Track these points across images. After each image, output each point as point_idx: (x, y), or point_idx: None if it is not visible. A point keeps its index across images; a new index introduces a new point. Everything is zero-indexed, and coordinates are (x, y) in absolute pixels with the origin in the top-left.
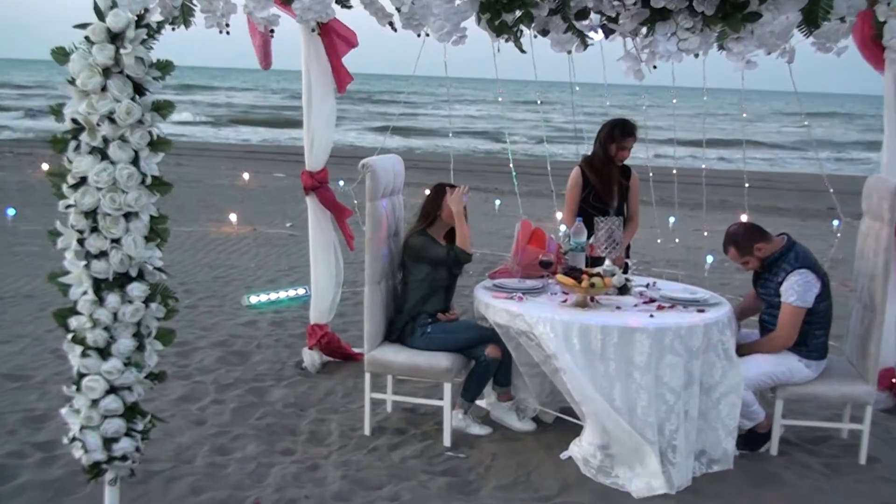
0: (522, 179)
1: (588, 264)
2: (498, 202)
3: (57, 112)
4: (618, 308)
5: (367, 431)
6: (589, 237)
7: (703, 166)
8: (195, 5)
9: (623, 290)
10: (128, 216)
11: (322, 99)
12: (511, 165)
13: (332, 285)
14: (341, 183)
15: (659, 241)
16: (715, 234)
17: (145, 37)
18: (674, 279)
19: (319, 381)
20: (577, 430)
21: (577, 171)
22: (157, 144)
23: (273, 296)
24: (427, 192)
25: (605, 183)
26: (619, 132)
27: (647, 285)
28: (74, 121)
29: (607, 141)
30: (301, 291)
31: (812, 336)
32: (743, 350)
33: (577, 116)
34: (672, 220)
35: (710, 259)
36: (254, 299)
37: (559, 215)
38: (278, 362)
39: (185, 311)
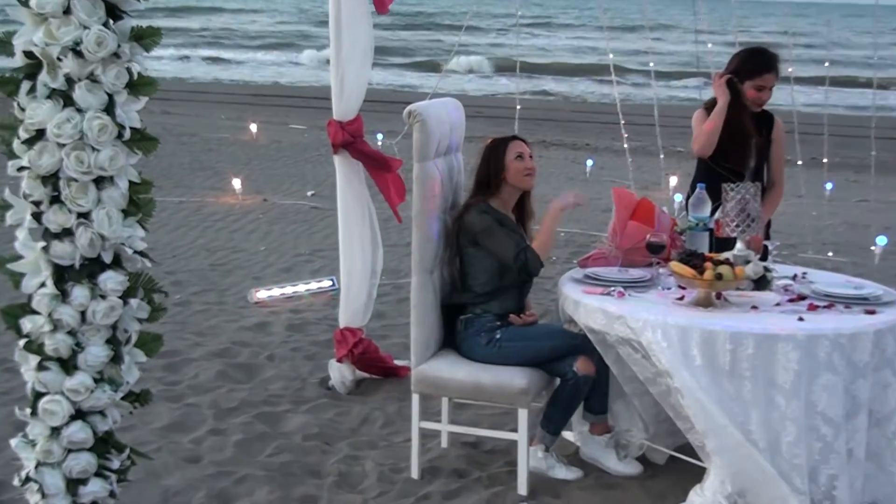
0: (619, 132)
1: (713, 248)
2: (590, 163)
3: (5, 44)
4: (754, 308)
5: (414, 474)
6: (715, 210)
7: (873, 113)
8: None
9: (761, 283)
10: (99, 182)
11: (355, 24)
12: (619, 111)
13: (368, 275)
14: (380, 137)
15: (814, 213)
16: (889, 205)
17: None
18: (832, 268)
19: (352, 404)
20: (697, 475)
21: (701, 112)
22: (138, 86)
23: (290, 290)
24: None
25: (735, 136)
26: (754, 65)
27: (795, 277)
28: (28, 54)
29: (739, 78)
30: (327, 284)
31: None
32: None
33: (700, 45)
34: (829, 186)
35: (882, 241)
36: (264, 294)
37: (672, 181)
38: (297, 379)
39: (174, 310)
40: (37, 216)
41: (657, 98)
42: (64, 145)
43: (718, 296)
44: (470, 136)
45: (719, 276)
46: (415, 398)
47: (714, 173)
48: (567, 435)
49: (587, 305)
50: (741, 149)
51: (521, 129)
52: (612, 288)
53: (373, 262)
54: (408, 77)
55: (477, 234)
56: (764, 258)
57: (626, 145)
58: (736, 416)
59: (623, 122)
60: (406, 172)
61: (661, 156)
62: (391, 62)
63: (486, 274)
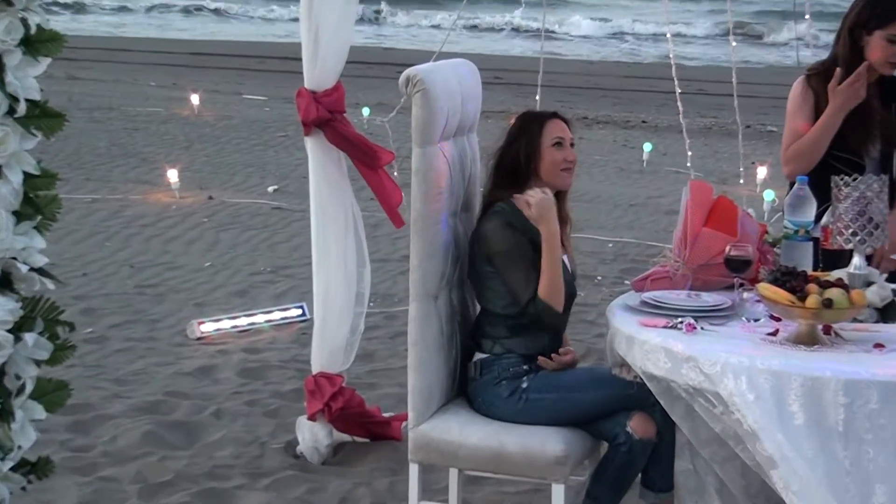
0: (692, 105)
1: (820, 264)
2: (648, 148)
3: None
4: (878, 347)
5: None
6: (822, 213)
7: None
8: None
9: (888, 312)
10: None
11: None
12: (675, 82)
13: (350, 302)
14: (366, 113)
15: None
16: None
17: None
18: None
19: (328, 478)
20: None
21: (802, 87)
22: (36, 43)
23: (244, 321)
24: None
25: (855, 112)
26: (882, 12)
27: None
28: None
29: (859, 31)
30: (295, 313)
31: None
32: None
33: None
34: None
35: None
36: (210, 327)
37: (761, 172)
38: (254, 443)
39: (85, 349)
40: None
41: (736, 57)
42: None
43: (828, 330)
44: (487, 109)
45: (828, 303)
46: (413, 469)
47: (822, 162)
48: None
49: (645, 343)
50: (862, 129)
51: (550, 100)
52: (679, 319)
53: (357, 283)
54: (411, 34)
55: (492, 255)
56: (893, 279)
57: (682, 121)
58: (853, 496)
59: (679, 91)
60: (402, 161)
61: (739, 138)
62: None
63: (508, 299)
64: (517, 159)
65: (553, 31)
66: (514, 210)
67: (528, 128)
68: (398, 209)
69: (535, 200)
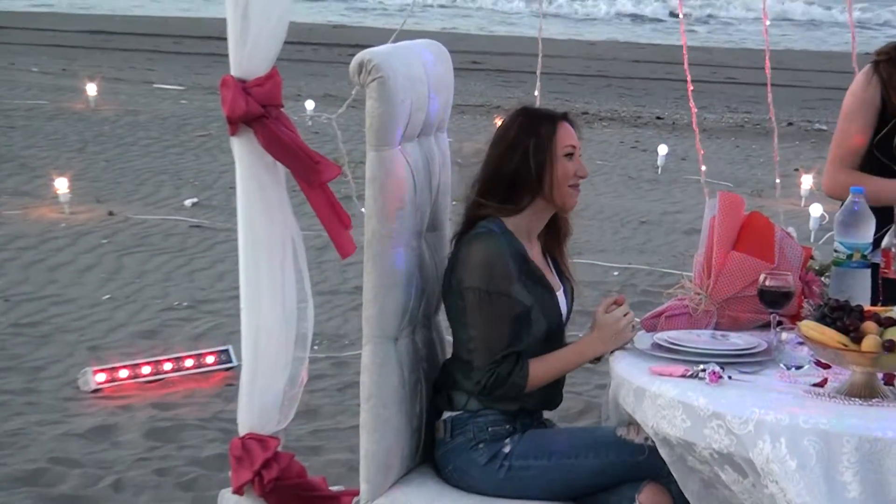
0: (720, 98)
1: (878, 297)
2: (663, 151)
3: None
4: None
5: None
6: (883, 234)
7: None
8: None
9: None
10: None
11: None
12: (685, 58)
13: (288, 344)
14: (309, 107)
15: None
16: None
17: None
18: None
19: None
20: None
21: (866, 77)
22: None
23: (152, 368)
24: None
25: None
26: None
27: None
28: None
29: None
30: (219, 358)
31: None
32: None
33: None
34: None
35: None
36: (107, 377)
37: (806, 182)
38: None
39: None
40: None
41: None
42: None
43: (890, 380)
44: (462, 103)
45: (890, 346)
46: None
47: (881, 169)
48: None
49: (658, 397)
50: None
51: (544, 92)
52: (702, 366)
53: (298, 322)
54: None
55: (465, 290)
56: None
57: (693, 120)
58: None
59: (689, 78)
60: (356, 167)
61: (773, 140)
62: None
63: (483, 343)
64: (523, 167)
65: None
66: (504, 233)
67: (537, 128)
68: (347, 232)
69: (612, 322)
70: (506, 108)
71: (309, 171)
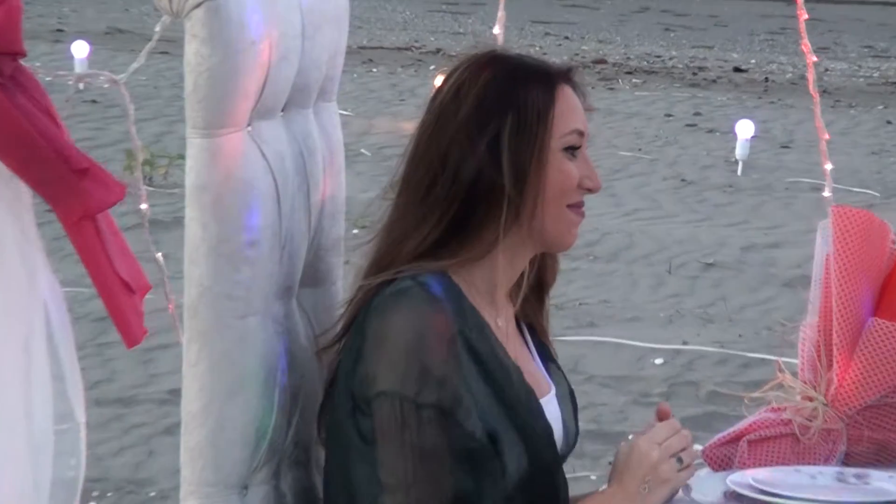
0: (848, 32)
1: None
2: (746, 132)
3: None
4: None
5: None
6: None
7: None
8: None
9: None
10: None
11: None
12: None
13: (36, 497)
14: (81, 55)
15: None
16: None
17: None
18: None
19: None
20: None
21: None
22: None
23: None
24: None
25: None
26: None
27: None
28: None
29: None
30: None
31: None
32: None
33: None
34: None
35: None
36: None
37: None
38: None
39: None
40: None
41: None
42: None
43: None
44: (371, 44)
45: None
46: None
47: None
48: None
49: None
50: None
51: (511, 26)
52: None
53: (54, 455)
54: None
55: (372, 398)
56: None
57: (809, 74)
58: None
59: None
60: (170, 165)
61: None
62: None
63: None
64: (488, 171)
65: None
66: (449, 291)
67: (516, 97)
68: (141, 298)
69: (648, 459)
70: (454, 55)
71: (65, 190)
